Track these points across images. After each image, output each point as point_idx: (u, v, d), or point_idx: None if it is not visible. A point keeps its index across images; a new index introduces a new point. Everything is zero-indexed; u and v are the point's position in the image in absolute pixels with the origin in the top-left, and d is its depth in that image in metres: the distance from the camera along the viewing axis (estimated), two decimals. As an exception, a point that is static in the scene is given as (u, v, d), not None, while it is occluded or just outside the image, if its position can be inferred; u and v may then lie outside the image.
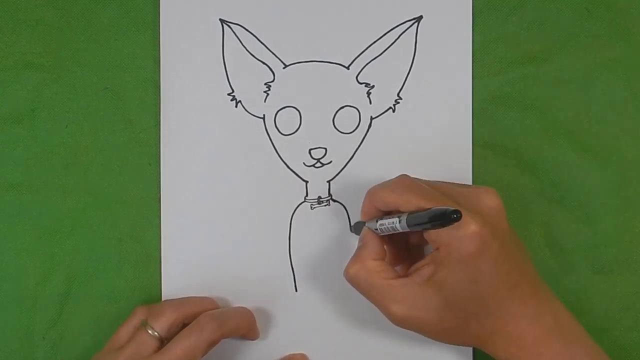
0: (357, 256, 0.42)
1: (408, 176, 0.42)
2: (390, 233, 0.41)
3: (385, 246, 0.43)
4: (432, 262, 0.40)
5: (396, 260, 0.45)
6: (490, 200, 0.40)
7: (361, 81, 0.48)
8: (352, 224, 0.48)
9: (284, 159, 0.48)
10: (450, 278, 0.39)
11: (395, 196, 0.41)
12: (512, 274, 0.39)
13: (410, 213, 0.39)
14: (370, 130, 0.48)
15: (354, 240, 0.47)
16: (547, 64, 0.47)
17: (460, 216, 0.36)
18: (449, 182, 0.42)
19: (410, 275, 0.40)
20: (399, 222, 0.40)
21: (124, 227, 0.48)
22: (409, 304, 0.39)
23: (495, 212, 0.40)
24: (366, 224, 0.43)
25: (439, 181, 0.43)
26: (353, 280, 0.42)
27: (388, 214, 0.42)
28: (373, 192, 0.43)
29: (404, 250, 0.45)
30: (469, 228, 0.38)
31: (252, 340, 0.47)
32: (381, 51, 0.47)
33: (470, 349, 0.47)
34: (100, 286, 0.48)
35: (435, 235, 0.39)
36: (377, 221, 0.42)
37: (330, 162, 0.48)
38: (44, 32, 0.49)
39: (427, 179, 0.47)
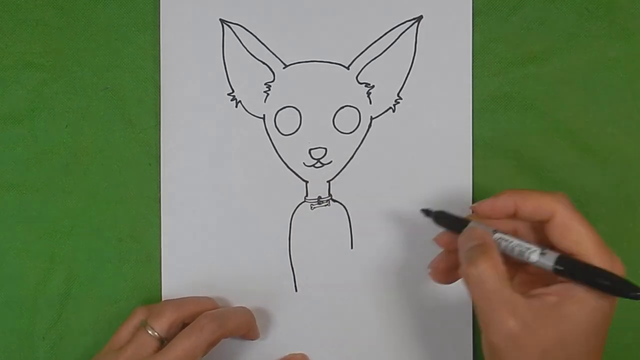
0: (487, 254, 0.36)
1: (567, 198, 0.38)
2: (509, 255, 0.37)
3: None
4: (559, 293, 0.36)
5: None
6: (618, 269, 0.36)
7: (361, 81, 0.48)
8: (429, 209, 0.42)
9: (284, 159, 0.48)
10: (578, 315, 0.35)
11: (558, 206, 0.36)
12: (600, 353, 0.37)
13: (565, 257, 0.36)
14: (370, 130, 0.48)
15: (354, 240, 0.47)
16: (547, 64, 0.47)
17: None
18: None
19: (531, 297, 0.36)
20: (544, 257, 0.36)
21: (124, 227, 0.48)
22: (528, 323, 0.35)
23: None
24: (473, 224, 0.39)
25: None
26: (480, 276, 0.36)
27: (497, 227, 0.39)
28: (522, 194, 0.38)
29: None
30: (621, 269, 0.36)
31: (252, 340, 0.47)
32: (381, 51, 0.47)
33: (470, 349, 0.47)
34: (100, 286, 0.48)
35: None
36: (502, 238, 0.38)
37: (330, 162, 0.48)
38: (44, 32, 0.49)
39: (427, 178, 0.47)
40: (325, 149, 0.48)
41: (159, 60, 0.48)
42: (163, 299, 0.48)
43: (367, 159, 0.48)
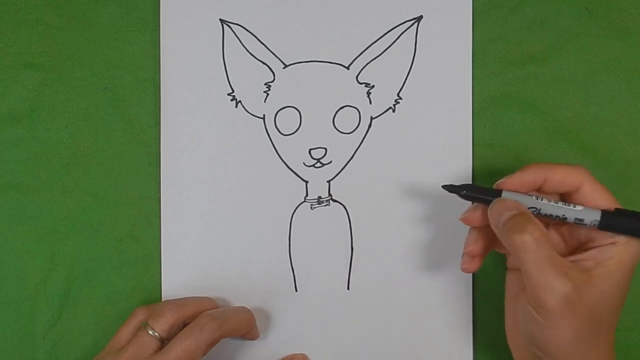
0: (532, 221, 0.38)
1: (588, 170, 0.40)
2: (545, 219, 0.40)
3: None
4: (594, 257, 0.38)
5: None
6: None
7: (361, 81, 0.48)
8: (451, 184, 0.42)
9: (284, 159, 0.48)
10: (614, 273, 0.38)
11: (582, 178, 0.39)
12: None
13: (607, 212, 0.38)
14: (370, 130, 0.48)
15: (354, 240, 0.47)
16: (547, 64, 0.47)
17: None
18: None
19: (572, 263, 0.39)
20: (583, 217, 0.38)
21: (124, 227, 0.48)
22: (577, 285, 0.37)
23: None
24: (505, 194, 0.40)
25: None
26: (529, 243, 0.37)
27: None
28: (547, 167, 0.40)
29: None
30: None
31: (252, 340, 0.47)
32: (381, 51, 0.47)
33: (470, 349, 0.47)
34: (100, 286, 0.48)
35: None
36: (534, 197, 0.39)
37: (330, 162, 0.48)
38: (44, 32, 0.49)
39: (427, 178, 0.47)
40: (325, 149, 0.48)
41: (159, 60, 0.48)
42: (163, 299, 0.48)
43: (367, 159, 0.48)
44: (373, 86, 0.48)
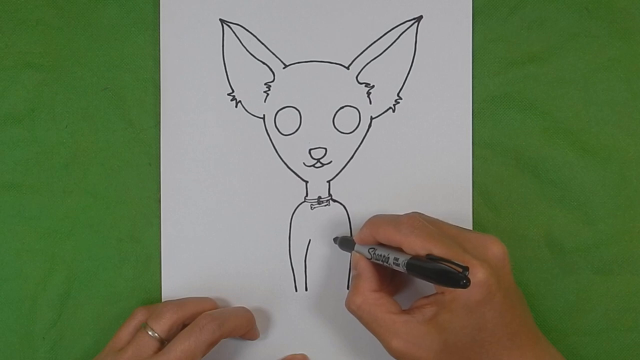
0: (357, 288, 0.42)
1: (417, 216, 0.41)
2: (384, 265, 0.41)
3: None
4: (435, 304, 0.39)
5: (388, 285, 0.44)
6: (496, 248, 0.39)
7: (361, 81, 0.48)
8: (337, 237, 0.47)
9: (284, 159, 0.48)
10: (453, 322, 0.38)
11: (400, 237, 0.40)
12: (513, 324, 0.39)
13: (413, 258, 0.38)
14: (370, 130, 0.48)
15: (354, 240, 0.48)
16: (547, 64, 0.47)
17: (469, 284, 0.35)
18: (455, 226, 0.42)
19: (412, 312, 0.40)
20: (397, 264, 0.39)
21: (124, 227, 0.48)
22: (409, 340, 0.39)
23: (501, 261, 0.39)
24: (356, 247, 0.43)
25: (444, 222, 0.42)
26: (356, 313, 0.42)
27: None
28: (376, 225, 0.42)
29: (395, 276, 0.45)
30: (476, 276, 0.37)
31: (252, 340, 0.47)
32: (381, 51, 0.47)
33: None
34: (100, 286, 0.48)
35: None
36: (372, 249, 0.42)
37: (330, 162, 0.48)
38: (44, 32, 0.49)
39: (427, 178, 0.47)
40: (325, 149, 0.48)
41: (159, 60, 0.48)
42: (163, 299, 0.48)
43: (367, 159, 0.48)
44: (373, 86, 0.48)
